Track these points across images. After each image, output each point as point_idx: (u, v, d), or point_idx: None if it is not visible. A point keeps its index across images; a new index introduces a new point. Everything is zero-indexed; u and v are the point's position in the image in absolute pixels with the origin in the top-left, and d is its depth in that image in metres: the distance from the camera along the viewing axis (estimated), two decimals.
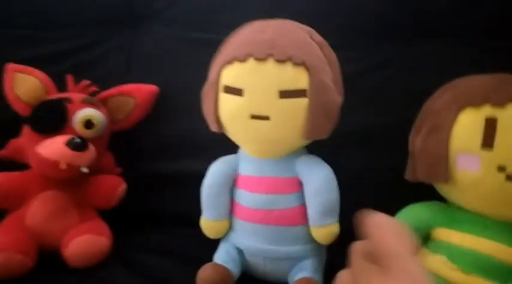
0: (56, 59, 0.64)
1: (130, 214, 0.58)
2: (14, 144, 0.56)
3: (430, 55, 0.57)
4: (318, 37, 0.46)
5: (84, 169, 0.51)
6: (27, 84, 0.57)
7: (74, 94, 0.56)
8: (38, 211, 0.51)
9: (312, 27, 0.48)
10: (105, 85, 0.60)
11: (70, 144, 0.49)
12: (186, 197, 0.59)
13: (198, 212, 0.52)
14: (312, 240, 0.47)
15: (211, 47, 0.59)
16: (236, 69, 0.44)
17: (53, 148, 0.50)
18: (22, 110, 0.57)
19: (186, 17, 0.64)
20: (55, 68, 0.61)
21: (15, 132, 0.57)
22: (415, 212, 0.46)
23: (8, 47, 0.67)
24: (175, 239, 0.58)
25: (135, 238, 0.57)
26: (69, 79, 0.59)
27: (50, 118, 0.53)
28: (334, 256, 0.46)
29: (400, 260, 0.33)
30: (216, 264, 0.46)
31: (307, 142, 0.46)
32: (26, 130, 0.55)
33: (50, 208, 0.52)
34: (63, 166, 0.49)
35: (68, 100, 0.54)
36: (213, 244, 0.53)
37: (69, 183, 0.52)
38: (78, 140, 0.50)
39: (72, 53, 0.66)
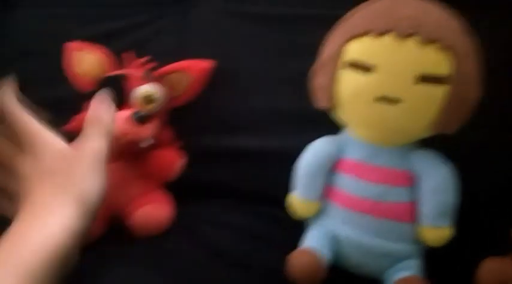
0: (114, 36, 0.64)
1: (188, 187, 0.57)
2: (77, 119, 0.55)
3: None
4: (461, 22, 0.41)
5: (147, 142, 0.51)
6: (88, 61, 0.57)
7: (133, 71, 0.56)
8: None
9: None
10: (161, 62, 0.59)
11: (133, 118, 0.49)
12: (242, 172, 0.59)
13: (254, 187, 0.57)
14: (416, 241, 0.43)
15: (267, 22, 0.59)
16: (368, 43, 0.39)
17: (117, 122, 0.49)
18: (84, 87, 0.57)
19: None
20: (113, 45, 0.60)
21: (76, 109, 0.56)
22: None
23: (66, 25, 0.66)
24: (231, 212, 0.57)
25: (193, 209, 0.56)
26: (128, 56, 0.58)
27: (110, 94, 0.52)
28: None
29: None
30: (311, 250, 0.43)
31: (430, 134, 0.42)
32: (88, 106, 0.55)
33: (116, 179, 0.51)
34: (128, 138, 0.49)
35: (127, 76, 0.54)
36: (267, 219, 0.54)
37: (133, 156, 0.53)
38: (141, 114, 0.50)
39: (129, 30, 0.64)
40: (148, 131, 0.51)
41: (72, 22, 0.65)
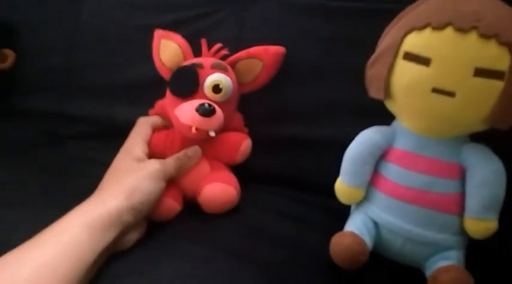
0: (176, 26, 0.65)
1: (236, 173, 0.59)
2: (160, 104, 0.60)
3: None
4: None
5: (212, 133, 0.53)
6: (170, 49, 0.60)
7: (205, 60, 0.57)
8: None
9: None
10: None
11: (199, 110, 0.51)
12: (290, 160, 0.61)
13: (300, 174, 0.60)
14: (460, 232, 0.44)
15: (325, 14, 0.59)
16: (427, 36, 0.40)
17: (186, 113, 0.52)
18: (166, 75, 0.60)
19: None
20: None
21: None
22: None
23: (132, 14, 0.70)
24: (278, 198, 0.59)
25: (241, 194, 0.57)
26: (203, 43, 0.60)
27: (183, 83, 0.55)
28: None
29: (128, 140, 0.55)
30: (355, 233, 0.44)
31: (483, 129, 0.42)
32: (167, 92, 0.58)
33: None
34: (193, 130, 0.52)
35: (200, 65, 0.55)
36: (312, 205, 0.57)
37: (203, 140, 0.56)
38: (207, 106, 0.51)
39: (189, 21, 0.67)
40: (214, 122, 0.52)
41: (138, 12, 0.69)
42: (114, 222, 0.43)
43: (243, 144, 0.58)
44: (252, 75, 0.59)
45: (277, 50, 0.59)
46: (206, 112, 0.51)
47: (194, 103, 0.52)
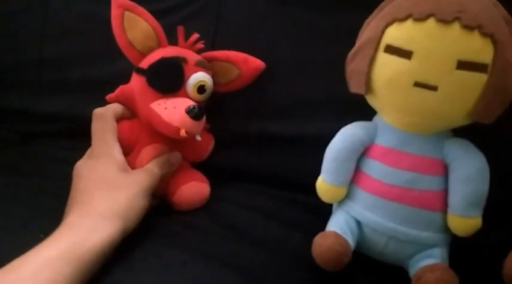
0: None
1: (216, 170, 0.58)
2: (123, 90, 0.53)
3: None
4: (504, 11, 0.40)
5: (198, 138, 0.51)
6: (139, 28, 0.52)
7: (188, 54, 0.54)
8: (145, 161, 0.52)
9: None
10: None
11: (191, 113, 0.48)
12: (270, 157, 0.60)
13: (281, 172, 0.58)
14: (444, 229, 0.43)
15: (305, 5, 0.57)
16: (409, 28, 0.39)
17: (175, 114, 0.49)
18: (134, 59, 0.54)
19: None
20: None
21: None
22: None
23: (103, 7, 0.62)
24: (258, 197, 0.58)
25: (220, 192, 0.57)
26: (180, 32, 0.55)
27: (167, 78, 0.51)
28: None
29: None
30: (337, 234, 0.43)
31: (467, 123, 0.41)
32: (138, 80, 0.53)
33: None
34: (183, 133, 0.48)
35: (185, 60, 0.52)
36: (293, 204, 0.56)
37: (170, 138, 0.52)
38: (197, 109, 0.48)
39: (165, 12, 0.63)
40: (201, 125, 0.50)
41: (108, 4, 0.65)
42: (107, 251, 0.40)
43: (210, 144, 0.58)
44: (225, 78, 0.57)
45: (258, 64, 0.57)
46: (198, 115, 0.48)
47: (180, 103, 0.49)
